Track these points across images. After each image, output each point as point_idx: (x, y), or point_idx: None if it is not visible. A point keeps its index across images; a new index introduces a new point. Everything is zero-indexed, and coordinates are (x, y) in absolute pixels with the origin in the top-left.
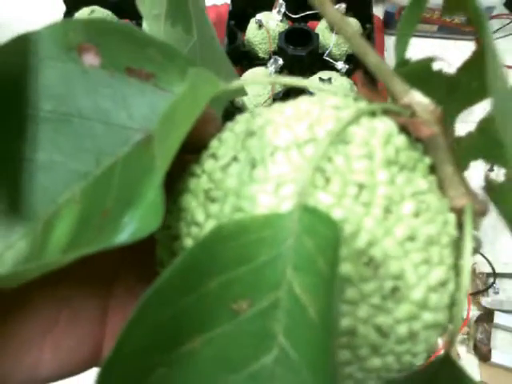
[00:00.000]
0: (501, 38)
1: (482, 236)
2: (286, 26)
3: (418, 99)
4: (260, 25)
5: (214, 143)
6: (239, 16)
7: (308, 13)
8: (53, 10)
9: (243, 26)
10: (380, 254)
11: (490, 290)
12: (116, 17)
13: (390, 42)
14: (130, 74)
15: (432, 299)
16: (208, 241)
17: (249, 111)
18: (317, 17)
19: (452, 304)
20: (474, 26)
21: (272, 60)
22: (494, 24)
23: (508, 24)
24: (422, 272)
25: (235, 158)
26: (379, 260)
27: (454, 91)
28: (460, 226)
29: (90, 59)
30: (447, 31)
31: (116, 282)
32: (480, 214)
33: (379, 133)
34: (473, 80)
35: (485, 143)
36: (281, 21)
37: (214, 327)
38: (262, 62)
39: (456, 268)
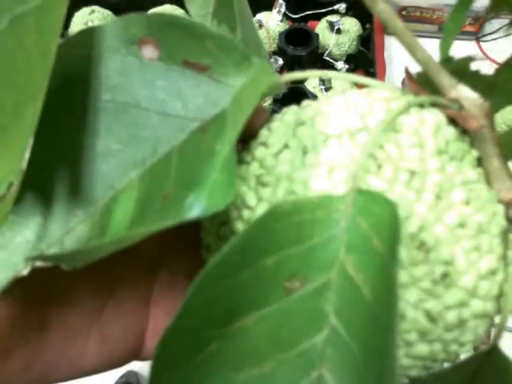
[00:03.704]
0: (501, 38)
1: None
2: (286, 26)
3: (466, 93)
4: (260, 25)
5: (263, 132)
6: None
7: (308, 13)
8: None
9: None
10: (431, 238)
11: None
12: (116, 17)
13: (390, 41)
14: (187, 66)
15: (482, 287)
16: (264, 220)
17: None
18: (317, 17)
19: (500, 294)
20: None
21: (272, 60)
22: (494, 24)
23: (508, 24)
24: (472, 259)
25: (286, 146)
26: (430, 245)
27: (490, 91)
28: (507, 218)
29: (149, 52)
30: None
31: (158, 272)
32: None
33: (429, 123)
34: (509, 81)
35: None
36: (281, 21)
37: (267, 305)
38: None
39: (504, 259)
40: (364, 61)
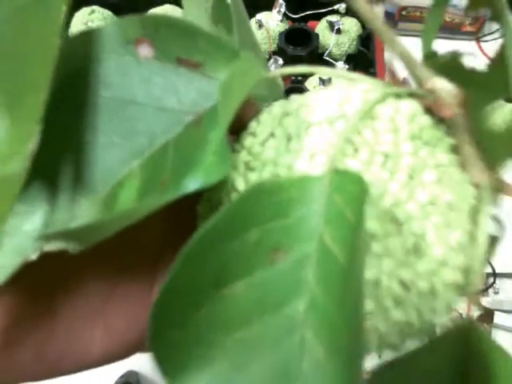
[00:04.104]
0: (501, 38)
1: None
2: (286, 26)
3: (441, 84)
4: (260, 25)
5: (252, 124)
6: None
7: (308, 13)
8: None
9: None
10: (403, 214)
11: (490, 290)
12: (116, 17)
13: None
14: (180, 63)
15: (451, 258)
16: (250, 194)
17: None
18: (317, 17)
19: (470, 268)
20: (497, 20)
21: (272, 60)
22: (494, 24)
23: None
24: (442, 233)
25: (272, 134)
26: (402, 219)
27: (482, 86)
28: (479, 199)
29: (145, 51)
30: (447, 31)
31: (160, 265)
32: (497, 190)
33: (404, 111)
34: (499, 76)
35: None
36: (281, 21)
37: (253, 273)
38: None
39: (474, 235)
40: (364, 61)
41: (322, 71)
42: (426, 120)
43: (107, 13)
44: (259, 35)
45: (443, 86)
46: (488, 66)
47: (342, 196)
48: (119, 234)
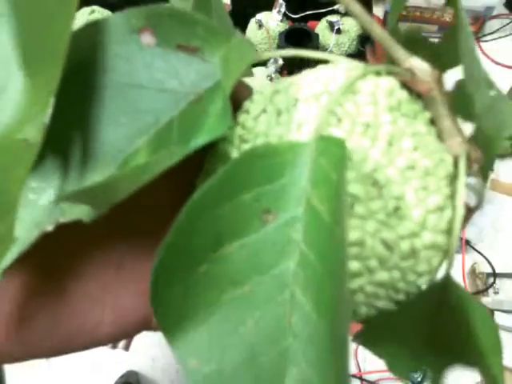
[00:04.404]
0: (501, 37)
1: (482, 236)
2: (286, 26)
3: (418, 64)
4: (260, 25)
5: (246, 103)
6: (239, 16)
7: (308, 13)
8: None
9: (243, 26)
10: (383, 178)
11: (490, 290)
12: None
13: None
14: (180, 49)
15: (430, 220)
16: (243, 159)
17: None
18: (317, 17)
19: (449, 231)
20: (451, 5)
21: (272, 60)
22: (494, 24)
23: (508, 24)
24: (421, 196)
25: (264, 110)
26: (383, 183)
27: (436, 57)
28: (456, 168)
29: (148, 39)
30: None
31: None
32: (476, 161)
33: (383, 86)
34: (450, 49)
35: (460, 102)
36: (281, 21)
37: (246, 234)
38: (262, 62)
39: (452, 200)
40: (364, 61)
41: (307, 54)
42: (403, 94)
43: (107, 13)
44: (259, 35)
45: (420, 65)
46: (443, 37)
47: (327, 159)
48: (127, 205)
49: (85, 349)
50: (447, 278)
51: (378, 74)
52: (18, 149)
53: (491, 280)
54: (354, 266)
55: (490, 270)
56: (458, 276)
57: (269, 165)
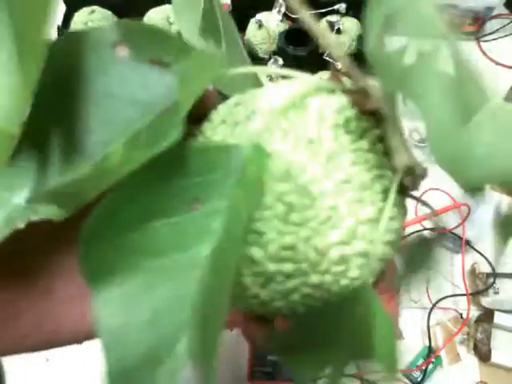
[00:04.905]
0: (501, 38)
1: (482, 236)
2: (286, 26)
3: (371, 82)
4: (260, 25)
5: (212, 112)
6: (239, 16)
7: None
8: None
9: (243, 26)
10: (319, 189)
11: (490, 290)
12: (116, 17)
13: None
14: (152, 63)
15: (361, 231)
16: (184, 152)
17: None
18: (317, 17)
19: (379, 241)
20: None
21: (272, 60)
22: (494, 24)
23: (508, 24)
24: (353, 208)
25: (223, 121)
26: (317, 194)
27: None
28: (401, 185)
29: (122, 53)
30: None
31: None
32: (420, 176)
33: (332, 104)
34: None
35: None
36: (281, 21)
37: (175, 215)
38: (262, 62)
39: (387, 212)
40: (364, 61)
41: (264, 71)
42: (352, 113)
43: (107, 13)
44: (259, 35)
45: (371, 84)
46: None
47: (255, 166)
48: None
49: (73, 342)
50: (364, 284)
51: (332, 91)
52: None
53: (491, 280)
54: (287, 267)
55: (489, 270)
56: (458, 276)
57: (205, 160)
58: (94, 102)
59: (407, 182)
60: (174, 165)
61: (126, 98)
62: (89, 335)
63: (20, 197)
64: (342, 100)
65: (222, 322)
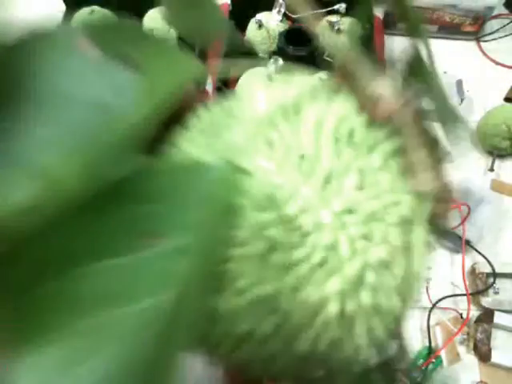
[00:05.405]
0: (501, 38)
1: (482, 236)
2: (286, 26)
3: (383, 84)
4: (260, 25)
5: (191, 118)
6: (239, 16)
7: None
8: (53, 9)
9: (243, 26)
10: (312, 222)
11: (490, 290)
12: (116, 17)
13: (389, 41)
14: (120, 62)
15: (369, 278)
16: (144, 170)
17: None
18: (317, 17)
19: (402, 290)
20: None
21: (272, 60)
22: (494, 24)
23: (508, 24)
24: (358, 247)
25: (202, 130)
26: (309, 228)
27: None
28: (415, 212)
29: (87, 51)
30: (447, 31)
31: None
32: (444, 201)
33: (334, 111)
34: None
35: None
36: (281, 21)
37: (122, 254)
38: (262, 62)
39: (408, 252)
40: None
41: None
42: (358, 122)
43: (107, 13)
44: (259, 35)
45: (385, 86)
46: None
47: (228, 190)
48: None
49: None
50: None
51: (333, 95)
52: None
53: (491, 280)
54: (265, 328)
55: (489, 270)
56: (458, 276)
57: (167, 182)
58: (48, 102)
59: (436, 210)
60: (127, 186)
61: (87, 100)
62: None
63: None
64: (345, 106)
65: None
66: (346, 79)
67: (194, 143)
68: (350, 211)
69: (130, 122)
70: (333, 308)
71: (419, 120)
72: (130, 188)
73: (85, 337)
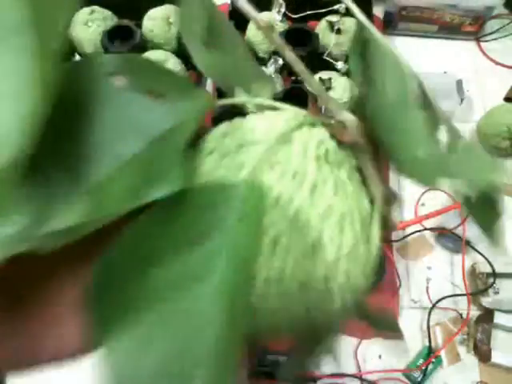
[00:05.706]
0: (501, 38)
1: (482, 236)
2: (286, 26)
3: (348, 117)
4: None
5: (202, 141)
6: (239, 16)
7: (308, 13)
8: None
9: (243, 26)
10: (304, 218)
11: (490, 290)
12: (116, 17)
13: (389, 42)
14: (148, 93)
15: (342, 260)
16: (183, 195)
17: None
18: (317, 17)
19: (362, 270)
20: None
21: (272, 60)
22: (494, 24)
23: (508, 24)
24: (335, 237)
25: (211, 152)
26: (304, 223)
27: None
28: (372, 211)
29: (120, 83)
30: (447, 31)
31: None
32: (393, 203)
33: (314, 137)
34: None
35: None
36: (281, 21)
37: (182, 253)
38: (262, 62)
39: (368, 239)
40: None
41: (253, 102)
42: (331, 145)
43: (107, 13)
44: (259, 35)
45: (349, 118)
46: None
47: (251, 202)
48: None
49: (54, 364)
50: None
51: (312, 124)
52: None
53: (491, 280)
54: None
55: (489, 270)
56: (458, 276)
57: (204, 199)
58: (93, 131)
59: (384, 211)
60: (174, 204)
61: (127, 125)
62: (73, 356)
63: (5, 232)
64: (322, 133)
65: (237, 360)
66: (318, 112)
67: (205, 162)
68: (328, 211)
69: (178, 147)
70: (318, 284)
71: (371, 143)
72: (180, 204)
73: (166, 315)
